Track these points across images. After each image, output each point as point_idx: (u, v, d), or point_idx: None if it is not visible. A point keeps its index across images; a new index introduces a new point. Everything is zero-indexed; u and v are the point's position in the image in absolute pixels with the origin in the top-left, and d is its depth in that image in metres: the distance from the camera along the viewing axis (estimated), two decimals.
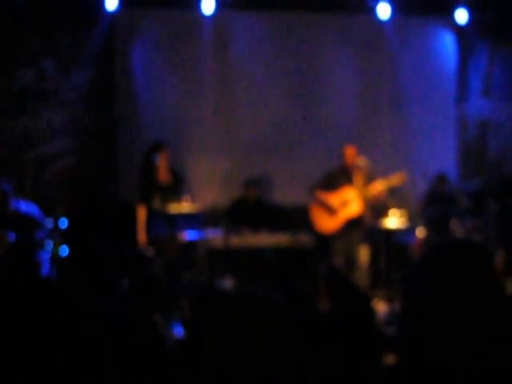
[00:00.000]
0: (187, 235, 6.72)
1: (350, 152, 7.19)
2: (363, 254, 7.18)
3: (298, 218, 7.37)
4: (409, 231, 7.05)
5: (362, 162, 7.03)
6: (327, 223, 7.11)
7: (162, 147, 6.90)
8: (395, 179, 7.12)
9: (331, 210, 7.09)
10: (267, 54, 8.20)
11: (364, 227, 7.19)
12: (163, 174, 6.82)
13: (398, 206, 7.00)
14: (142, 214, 6.76)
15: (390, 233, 6.95)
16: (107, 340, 3.16)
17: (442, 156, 8.50)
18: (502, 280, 1.48)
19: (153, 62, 7.99)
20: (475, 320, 1.42)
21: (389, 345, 3.30)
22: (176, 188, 6.81)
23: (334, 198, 7.10)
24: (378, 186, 7.07)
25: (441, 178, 7.80)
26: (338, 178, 7.15)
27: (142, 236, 6.71)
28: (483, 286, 1.44)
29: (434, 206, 7.62)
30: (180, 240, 6.68)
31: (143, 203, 6.77)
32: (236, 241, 7.06)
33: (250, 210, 7.55)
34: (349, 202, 7.06)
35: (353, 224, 7.07)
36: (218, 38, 8.06)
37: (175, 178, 6.88)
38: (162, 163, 6.83)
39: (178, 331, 4.23)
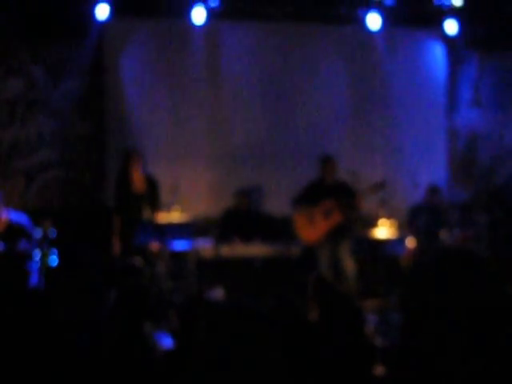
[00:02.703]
0: (177, 245, 6.69)
1: (329, 165, 7.25)
2: (352, 264, 7.19)
3: (288, 228, 7.37)
4: (398, 241, 7.06)
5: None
6: (309, 234, 7.13)
7: (129, 155, 6.86)
8: (375, 188, 7.16)
9: (313, 221, 7.11)
10: (257, 64, 8.22)
11: (351, 238, 7.21)
12: (136, 183, 6.78)
13: (388, 216, 7.01)
14: (117, 223, 6.73)
15: (380, 243, 6.94)
16: (95, 350, 3.14)
17: (432, 166, 8.53)
18: (500, 281, 1.47)
19: (143, 72, 7.99)
20: (477, 325, 1.42)
21: (378, 356, 3.30)
22: (153, 194, 6.77)
23: (315, 209, 7.12)
24: (359, 197, 7.12)
25: (433, 190, 7.81)
26: (318, 190, 7.19)
27: (116, 246, 6.67)
28: (481, 290, 1.44)
29: (424, 216, 7.64)
30: (168, 250, 6.66)
31: (119, 213, 6.75)
32: (226, 251, 7.05)
33: (242, 219, 7.54)
34: (330, 213, 7.09)
35: (337, 234, 7.10)
36: (208, 48, 8.07)
37: (150, 186, 6.83)
38: (133, 172, 6.77)
39: (167, 342, 4.21)
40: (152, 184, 6.84)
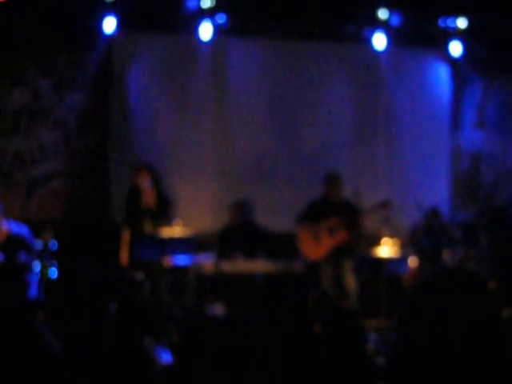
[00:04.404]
0: (178, 260, 6.67)
1: (335, 183, 7.26)
2: (354, 282, 7.17)
3: (289, 245, 7.35)
4: (401, 261, 7.03)
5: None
6: (313, 250, 7.13)
7: (139, 169, 6.88)
8: (379, 207, 7.16)
9: (317, 238, 7.12)
10: (263, 81, 8.24)
11: (354, 256, 7.20)
12: (147, 197, 6.80)
13: (391, 235, 6.99)
14: (126, 236, 6.75)
15: (382, 262, 6.92)
16: (95, 364, 3.11)
17: (436, 186, 8.52)
18: (497, 306, 1.47)
19: (149, 86, 8.01)
20: (472, 347, 1.41)
21: (379, 375, 3.26)
22: (161, 210, 6.77)
23: (320, 227, 7.12)
24: (363, 215, 7.12)
25: (433, 212, 7.81)
26: (323, 207, 7.19)
27: (124, 258, 6.68)
28: (480, 313, 1.43)
29: (426, 236, 7.62)
30: (169, 264, 6.64)
31: (128, 225, 6.76)
32: (227, 267, 7.02)
33: (239, 234, 7.52)
34: (335, 231, 7.09)
35: (340, 252, 7.09)
36: (214, 64, 8.09)
37: (160, 201, 6.84)
38: (143, 185, 6.80)
39: (167, 356, 4.18)
40: (162, 199, 6.85)
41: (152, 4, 7.65)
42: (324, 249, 7.11)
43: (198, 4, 7.68)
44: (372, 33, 8.17)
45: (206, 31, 7.80)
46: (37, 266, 6.20)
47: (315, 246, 7.13)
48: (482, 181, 8.78)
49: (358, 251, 7.28)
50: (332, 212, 7.15)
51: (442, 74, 8.69)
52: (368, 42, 8.20)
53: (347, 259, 7.17)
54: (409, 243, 7.60)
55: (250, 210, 7.93)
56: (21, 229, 6.24)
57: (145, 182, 6.79)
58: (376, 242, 7.01)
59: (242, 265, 7.07)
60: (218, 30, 7.85)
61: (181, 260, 6.73)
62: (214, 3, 7.65)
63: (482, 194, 8.74)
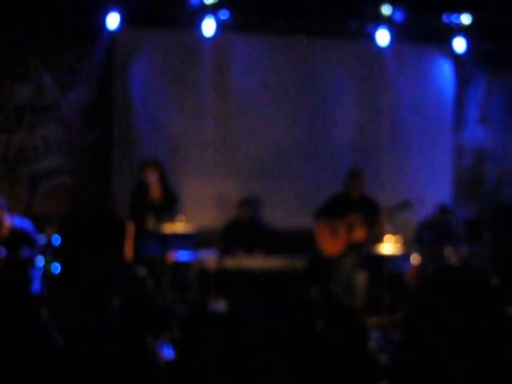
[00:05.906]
0: (180, 256, 6.69)
1: (358, 179, 7.26)
2: (363, 279, 7.19)
3: (291, 242, 7.36)
4: (403, 258, 7.04)
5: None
6: (331, 245, 7.14)
7: (146, 164, 6.90)
8: (401, 206, 7.16)
9: (335, 233, 7.13)
10: (266, 77, 8.24)
11: (361, 252, 7.22)
12: (153, 192, 6.82)
13: (394, 233, 6.99)
14: (130, 230, 6.77)
15: (385, 259, 6.92)
16: (97, 360, 3.12)
17: (439, 183, 8.53)
18: (502, 303, 1.47)
19: (152, 82, 8.02)
20: (477, 342, 1.41)
21: (382, 372, 3.27)
22: (168, 206, 6.78)
23: (339, 222, 7.14)
24: (384, 214, 7.13)
25: (444, 211, 7.80)
26: (343, 203, 7.20)
27: (128, 252, 6.71)
28: (484, 310, 1.43)
29: (429, 233, 7.62)
30: (172, 260, 6.66)
31: (133, 220, 6.78)
32: (229, 262, 7.03)
33: (243, 230, 7.53)
34: (353, 227, 7.11)
35: (353, 248, 7.11)
36: (217, 60, 8.10)
37: (167, 197, 6.85)
38: (150, 181, 6.82)
39: (169, 352, 4.19)
40: (168, 195, 6.86)
41: (155, 0, 7.65)
42: (341, 244, 7.12)
43: (201, 0, 7.68)
44: (375, 29, 8.16)
45: (209, 27, 7.80)
46: (40, 260, 6.23)
47: (332, 241, 7.15)
48: (485, 178, 8.77)
49: (365, 248, 7.29)
50: (352, 208, 7.15)
51: (445, 71, 8.68)
52: (371, 38, 8.19)
53: (355, 255, 7.19)
54: (413, 239, 7.60)
55: (258, 207, 7.95)
56: (24, 224, 6.27)
57: (151, 178, 6.81)
58: (379, 239, 7.02)
59: (244, 261, 7.08)
60: (220, 25, 7.85)
61: (183, 256, 6.74)
62: None
63: (485, 190, 8.74)
